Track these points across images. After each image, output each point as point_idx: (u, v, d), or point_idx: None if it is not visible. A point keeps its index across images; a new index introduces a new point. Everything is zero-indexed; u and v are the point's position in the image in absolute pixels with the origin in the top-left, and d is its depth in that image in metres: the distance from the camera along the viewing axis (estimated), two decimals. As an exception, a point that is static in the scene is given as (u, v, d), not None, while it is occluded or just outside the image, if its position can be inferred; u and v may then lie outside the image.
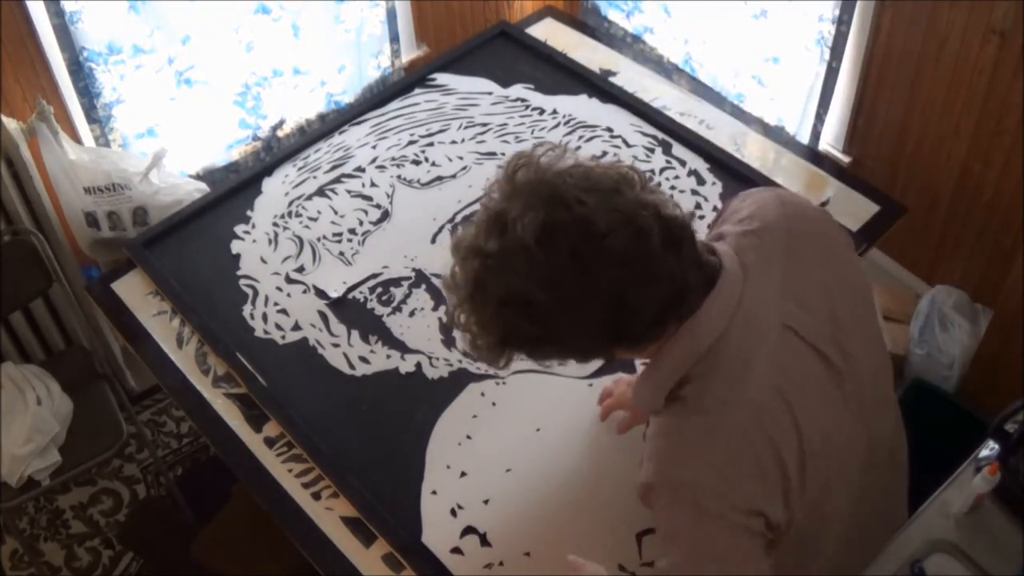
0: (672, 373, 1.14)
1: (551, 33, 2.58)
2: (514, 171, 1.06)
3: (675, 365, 1.14)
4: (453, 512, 1.65)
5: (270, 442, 1.79)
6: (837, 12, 2.15)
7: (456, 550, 1.60)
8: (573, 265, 1.00)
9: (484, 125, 2.32)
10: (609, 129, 2.29)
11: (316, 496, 1.71)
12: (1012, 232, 2.13)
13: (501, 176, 1.07)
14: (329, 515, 1.68)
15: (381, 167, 2.24)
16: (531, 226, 1.00)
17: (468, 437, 1.76)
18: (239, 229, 2.15)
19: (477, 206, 2.13)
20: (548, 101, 2.38)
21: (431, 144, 2.29)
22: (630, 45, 2.67)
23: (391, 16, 2.67)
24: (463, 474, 1.70)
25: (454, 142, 2.29)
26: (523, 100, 2.38)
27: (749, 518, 1.10)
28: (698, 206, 2.11)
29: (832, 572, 1.31)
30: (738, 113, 2.41)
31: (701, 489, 1.10)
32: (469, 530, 1.63)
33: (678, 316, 1.10)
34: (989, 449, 1.57)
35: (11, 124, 2.16)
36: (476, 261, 1.05)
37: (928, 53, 2.07)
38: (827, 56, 2.24)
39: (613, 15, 2.72)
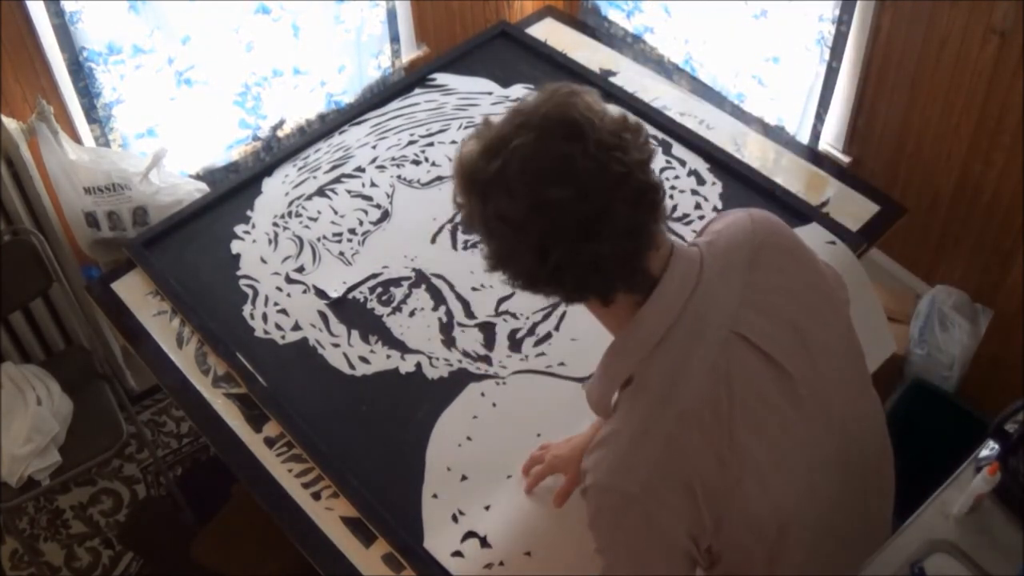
0: (620, 370, 1.14)
1: (551, 33, 2.58)
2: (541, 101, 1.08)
3: (624, 360, 1.14)
4: (455, 518, 1.65)
5: (270, 442, 1.79)
6: (837, 12, 2.15)
7: (457, 553, 1.60)
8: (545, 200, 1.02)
9: (484, 125, 2.32)
10: (609, 129, 2.29)
11: (316, 496, 1.71)
12: (1012, 232, 2.13)
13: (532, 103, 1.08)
14: (329, 515, 1.68)
15: (381, 167, 2.24)
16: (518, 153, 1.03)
17: (468, 438, 1.76)
18: (239, 229, 2.15)
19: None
20: (548, 101, 2.37)
21: (431, 144, 2.29)
22: (630, 45, 2.67)
23: (391, 16, 2.67)
24: (464, 478, 1.70)
25: (454, 142, 2.29)
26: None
27: (673, 533, 1.10)
28: (698, 206, 2.11)
29: None
30: (738, 113, 2.41)
31: (627, 500, 1.10)
32: (470, 534, 1.63)
33: (628, 281, 1.09)
34: (989, 449, 1.57)
35: (11, 124, 2.16)
36: (471, 178, 1.08)
37: (928, 53, 2.07)
38: (827, 56, 2.24)
39: (613, 15, 2.72)
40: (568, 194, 1.02)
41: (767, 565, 1.19)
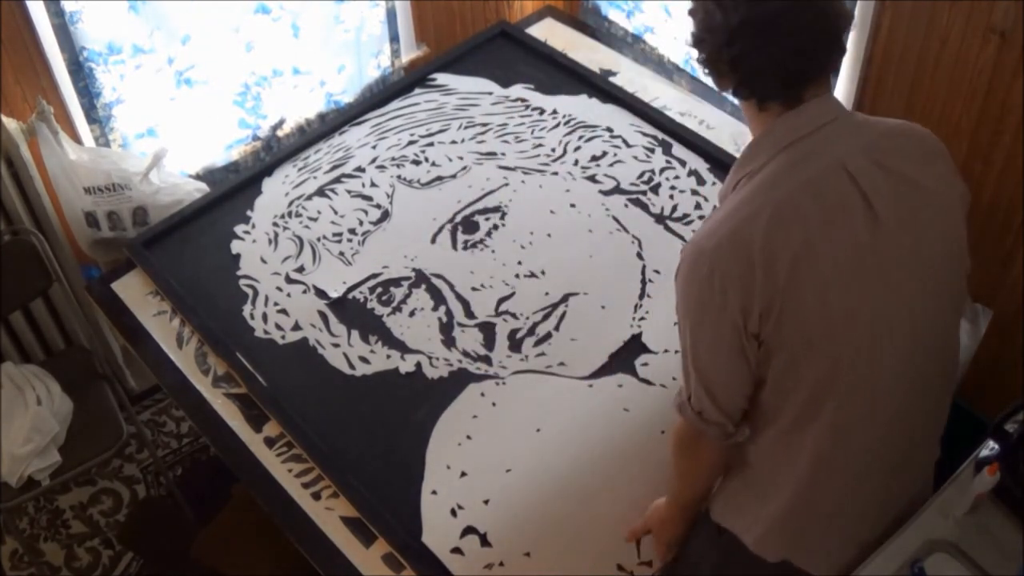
0: (746, 166, 1.31)
1: (551, 33, 2.58)
2: None
3: (752, 159, 1.30)
4: (453, 512, 1.65)
5: (270, 442, 1.79)
6: (837, 12, 2.15)
7: (456, 550, 1.61)
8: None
9: (484, 125, 2.32)
10: (609, 129, 2.29)
11: (316, 496, 1.71)
12: (1012, 232, 2.13)
13: None
14: (329, 515, 1.68)
15: (381, 167, 2.24)
16: None
17: (468, 437, 1.76)
18: (239, 229, 2.15)
19: (478, 206, 2.15)
20: (548, 101, 2.38)
21: (431, 144, 2.29)
22: (631, 45, 2.67)
23: (391, 16, 2.67)
24: (463, 474, 1.70)
25: (454, 142, 2.29)
26: (523, 100, 2.38)
27: (727, 298, 1.24)
28: (698, 206, 2.11)
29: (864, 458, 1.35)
30: (738, 113, 2.41)
31: (700, 253, 1.26)
32: (469, 530, 1.63)
33: (785, 94, 1.26)
34: (989, 449, 1.57)
35: (11, 124, 2.16)
36: None
37: (928, 53, 2.07)
38: (827, 56, 2.24)
39: (613, 15, 2.72)
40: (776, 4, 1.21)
41: (810, 402, 1.28)
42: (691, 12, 1.29)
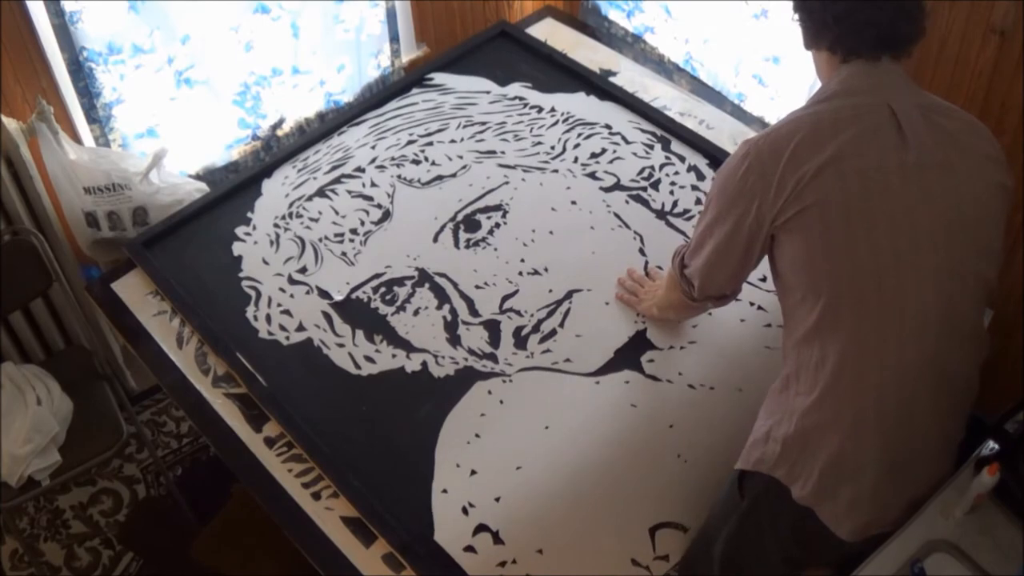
0: (817, 95, 1.45)
1: (551, 33, 2.58)
2: None
3: (820, 94, 1.44)
4: (464, 511, 1.65)
5: (270, 442, 1.79)
6: (837, 12, 2.15)
7: (469, 548, 1.61)
8: None
9: (483, 124, 2.32)
10: (608, 126, 2.30)
11: (316, 496, 1.71)
12: (1012, 232, 2.13)
13: None
14: (329, 515, 1.68)
15: (381, 167, 2.24)
16: None
17: (477, 435, 1.76)
18: (240, 231, 2.15)
19: (480, 204, 2.15)
20: (546, 99, 2.38)
21: (430, 143, 2.29)
22: (631, 45, 2.67)
23: (391, 16, 2.67)
24: (473, 472, 1.71)
25: (453, 141, 2.29)
26: (521, 98, 2.39)
27: (753, 195, 1.40)
28: (698, 201, 2.11)
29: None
30: (739, 113, 2.41)
31: (743, 151, 1.43)
32: (481, 528, 1.63)
33: (845, 50, 1.42)
34: (989, 449, 1.57)
35: (11, 124, 2.16)
36: None
37: (928, 53, 2.07)
38: (827, 56, 2.24)
39: (613, 15, 2.72)
40: None
41: (829, 307, 1.38)
42: None
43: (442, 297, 1.97)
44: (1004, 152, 1.44)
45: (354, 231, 2.12)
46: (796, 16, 1.49)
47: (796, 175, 1.36)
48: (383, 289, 2.00)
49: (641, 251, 2.03)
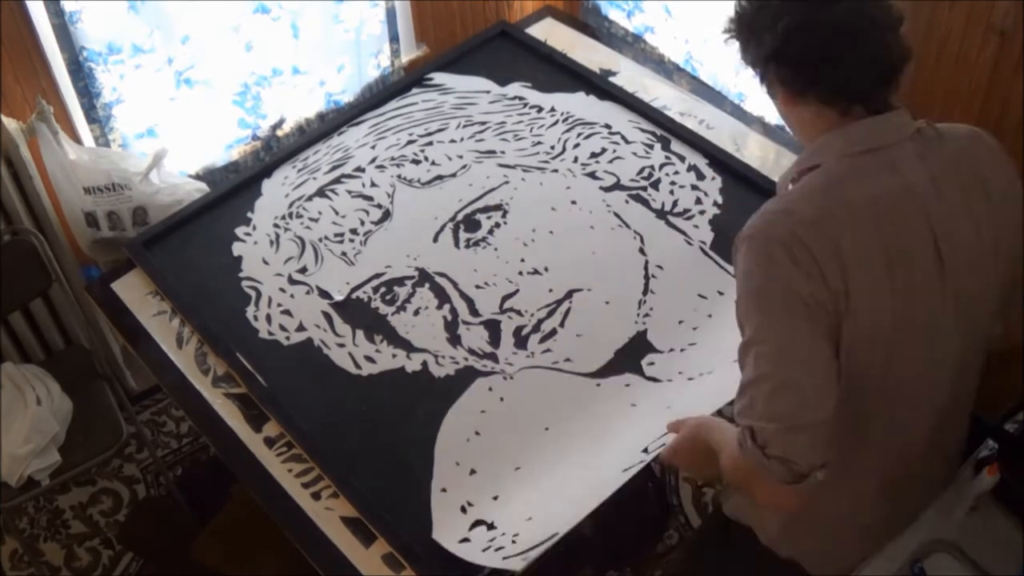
0: (818, 157, 1.28)
1: (551, 33, 2.58)
2: None
3: (828, 151, 1.27)
4: (463, 509, 1.65)
5: (270, 442, 1.79)
6: (837, 12, 2.15)
7: (464, 540, 1.61)
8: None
9: (483, 123, 2.32)
10: (608, 126, 2.30)
11: (316, 496, 1.71)
12: (1012, 232, 2.13)
13: None
14: (329, 515, 1.68)
15: (381, 167, 2.24)
16: None
17: (476, 433, 1.76)
18: (240, 231, 2.15)
19: (479, 204, 2.15)
20: (546, 99, 2.38)
21: (430, 143, 2.29)
22: (631, 45, 2.67)
23: (391, 16, 2.67)
24: (472, 471, 1.71)
25: (453, 141, 2.29)
26: (520, 98, 2.39)
27: (789, 281, 1.19)
28: (698, 200, 2.11)
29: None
30: (739, 112, 2.41)
31: (768, 238, 1.22)
32: (478, 523, 1.63)
33: (847, 98, 1.25)
34: (989, 449, 1.58)
35: (11, 124, 2.16)
36: None
37: (928, 53, 2.07)
38: (827, 56, 2.24)
39: (614, 14, 2.72)
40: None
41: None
42: (760, 10, 1.26)
43: (442, 297, 1.97)
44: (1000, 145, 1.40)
45: (354, 231, 2.12)
46: (764, 71, 1.28)
47: (831, 272, 1.20)
48: (383, 289, 2.00)
49: (641, 251, 2.03)
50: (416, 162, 2.25)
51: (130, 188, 2.30)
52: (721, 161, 2.18)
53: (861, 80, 1.24)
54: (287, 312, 1.98)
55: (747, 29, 1.29)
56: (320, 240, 2.10)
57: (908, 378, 1.30)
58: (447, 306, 1.95)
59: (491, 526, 1.62)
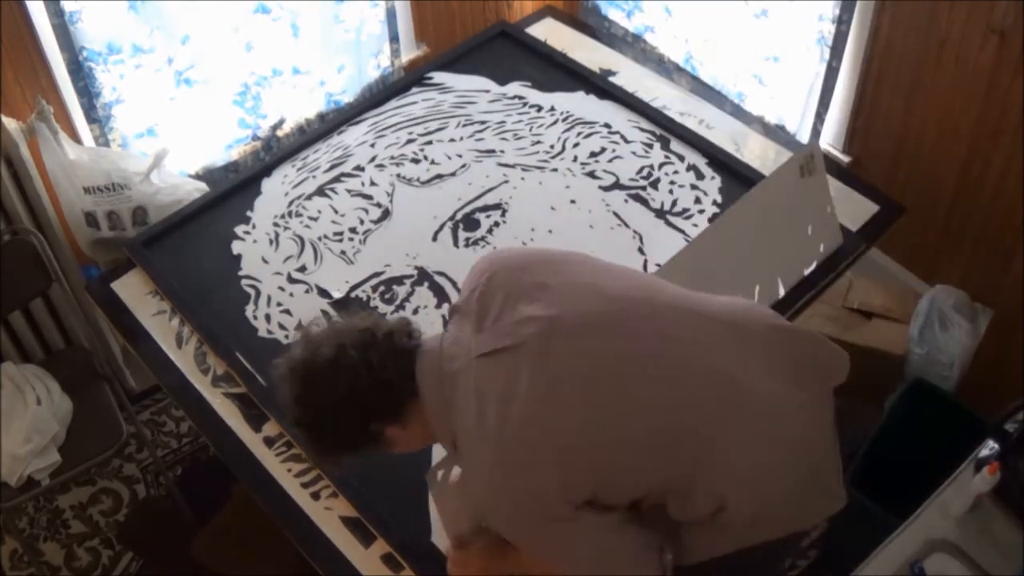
0: (448, 446, 1.36)
1: (551, 33, 2.58)
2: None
3: (445, 440, 1.36)
4: None
5: (270, 442, 1.79)
6: (837, 12, 2.15)
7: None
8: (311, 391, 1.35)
9: (482, 123, 2.32)
10: (607, 125, 2.30)
11: (316, 496, 1.71)
12: (1012, 232, 2.13)
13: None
14: (329, 515, 1.68)
15: (380, 166, 2.24)
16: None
17: None
18: (239, 230, 2.15)
19: (479, 203, 2.15)
20: (545, 98, 2.38)
21: (430, 142, 2.29)
22: (631, 44, 2.67)
23: (391, 16, 2.67)
24: None
25: (452, 140, 2.29)
26: (520, 97, 2.39)
27: (547, 497, 1.26)
28: (697, 200, 2.11)
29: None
30: (738, 112, 2.41)
31: (526, 501, 1.27)
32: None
33: (400, 398, 1.33)
34: (989, 449, 1.58)
35: (11, 124, 2.16)
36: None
37: (928, 53, 2.07)
38: (827, 55, 2.24)
39: (613, 14, 2.72)
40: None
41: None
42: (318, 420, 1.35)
43: (441, 296, 1.97)
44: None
45: (353, 230, 2.12)
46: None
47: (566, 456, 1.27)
48: (382, 288, 2.00)
49: (640, 250, 2.03)
50: (416, 161, 2.25)
51: (130, 188, 2.30)
52: (720, 161, 2.17)
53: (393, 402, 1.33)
54: (286, 311, 1.98)
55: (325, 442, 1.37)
56: (319, 239, 2.10)
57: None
58: (446, 305, 1.95)
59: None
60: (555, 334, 1.29)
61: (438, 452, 1.74)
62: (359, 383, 1.30)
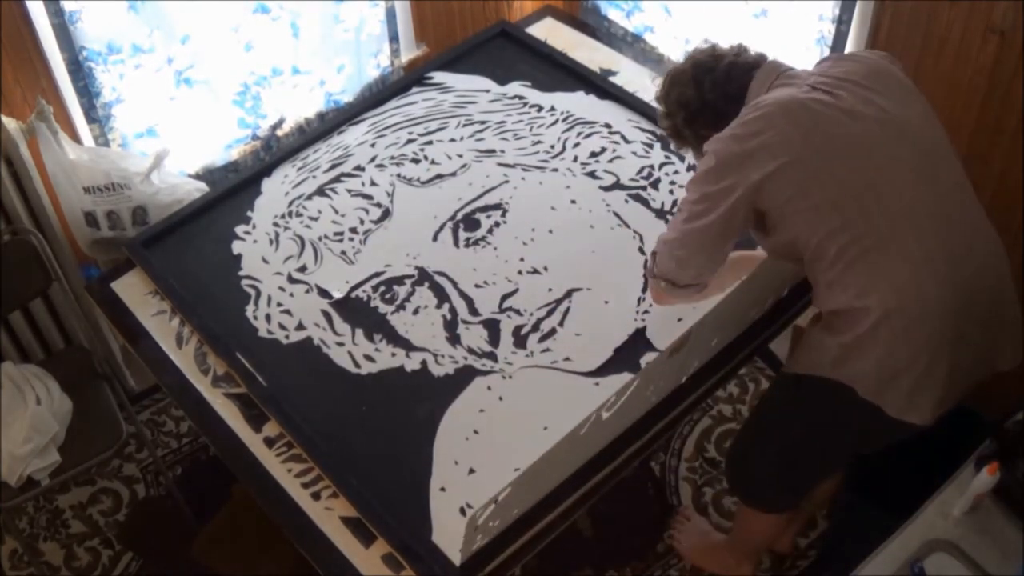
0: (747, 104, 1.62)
1: (551, 32, 2.58)
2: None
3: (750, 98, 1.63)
4: (462, 511, 1.65)
5: (270, 442, 1.79)
6: (837, 12, 2.15)
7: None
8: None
9: (482, 123, 2.32)
10: (607, 125, 2.30)
11: (316, 496, 1.71)
12: (1012, 231, 2.13)
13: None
14: (329, 515, 1.68)
15: (380, 166, 2.24)
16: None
17: (475, 432, 1.76)
18: (239, 229, 2.15)
19: (479, 203, 2.15)
20: (545, 98, 2.38)
21: (430, 142, 2.29)
22: (630, 44, 2.67)
23: (391, 16, 2.67)
24: (471, 471, 1.70)
25: (453, 140, 2.29)
26: (520, 97, 2.39)
27: (736, 178, 1.52)
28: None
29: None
30: (738, 112, 2.41)
31: (714, 150, 1.57)
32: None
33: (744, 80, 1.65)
34: (989, 449, 1.58)
35: (11, 124, 2.16)
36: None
37: (928, 53, 2.07)
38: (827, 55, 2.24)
39: (613, 14, 2.72)
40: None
41: (842, 248, 1.50)
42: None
43: (441, 296, 1.97)
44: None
45: (354, 230, 2.12)
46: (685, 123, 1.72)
47: (768, 148, 1.51)
48: (383, 288, 2.00)
49: (640, 250, 2.03)
50: (416, 161, 2.25)
51: (130, 188, 2.30)
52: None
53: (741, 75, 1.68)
54: (287, 311, 1.98)
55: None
56: (320, 239, 2.10)
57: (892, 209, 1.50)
58: (446, 305, 1.95)
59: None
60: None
61: (439, 452, 1.75)
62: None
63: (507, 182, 2.18)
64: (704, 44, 1.73)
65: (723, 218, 1.55)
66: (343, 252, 2.08)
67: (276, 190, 2.23)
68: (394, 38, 2.72)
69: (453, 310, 1.94)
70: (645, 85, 2.40)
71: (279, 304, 2.00)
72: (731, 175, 1.53)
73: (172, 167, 2.44)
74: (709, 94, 1.66)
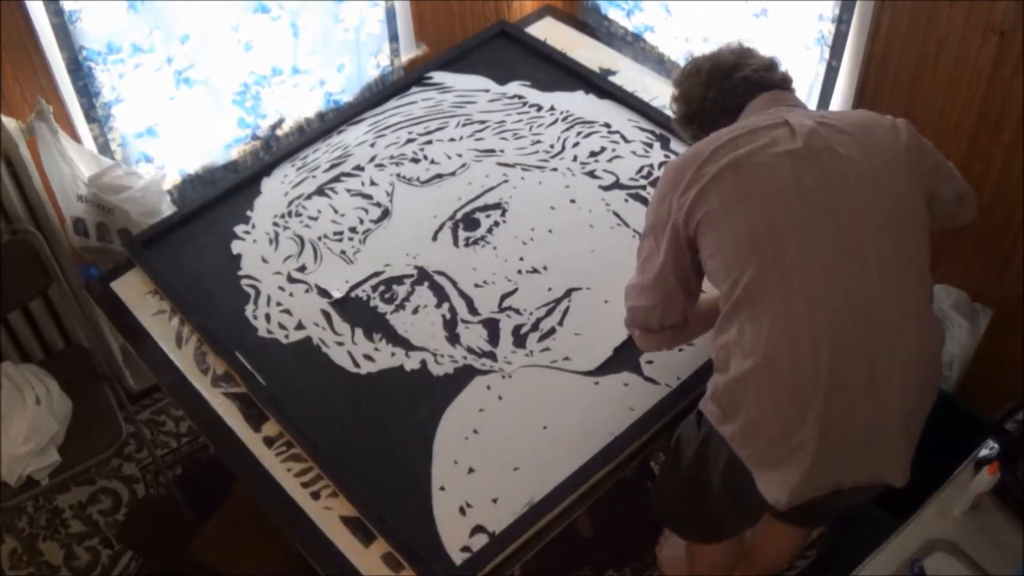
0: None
1: (551, 32, 2.58)
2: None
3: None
4: (462, 510, 1.65)
5: (269, 441, 1.79)
6: (837, 11, 2.15)
7: (465, 548, 1.61)
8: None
9: (482, 122, 2.32)
10: (607, 125, 2.30)
11: (315, 495, 1.71)
12: (1012, 232, 2.13)
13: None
14: (329, 514, 1.68)
15: (380, 165, 2.24)
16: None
17: (475, 431, 1.76)
18: (239, 229, 2.15)
19: (479, 203, 2.15)
20: (545, 98, 2.38)
21: (429, 142, 2.29)
22: (630, 44, 2.67)
23: (390, 15, 2.67)
24: (471, 470, 1.70)
25: (452, 139, 2.29)
26: (520, 97, 2.39)
27: (667, 206, 1.54)
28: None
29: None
30: (738, 112, 2.41)
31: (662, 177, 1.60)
32: (478, 529, 1.63)
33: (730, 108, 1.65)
34: (989, 449, 1.58)
35: (11, 124, 2.16)
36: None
37: (928, 52, 2.07)
38: (827, 55, 2.23)
39: (613, 14, 2.72)
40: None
41: (744, 294, 1.45)
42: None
43: (441, 295, 1.97)
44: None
45: (353, 229, 2.12)
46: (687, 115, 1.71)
47: (700, 182, 1.49)
48: (382, 287, 2.00)
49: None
50: (415, 161, 2.25)
51: (113, 213, 2.28)
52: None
53: (739, 95, 1.68)
54: (286, 311, 1.98)
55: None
56: (319, 238, 2.10)
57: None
58: (446, 305, 1.95)
59: (492, 535, 1.62)
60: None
61: (438, 451, 1.75)
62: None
63: (506, 182, 2.18)
64: (736, 45, 1.73)
65: (671, 248, 1.55)
66: (343, 252, 2.08)
67: (276, 190, 2.23)
68: (394, 38, 2.72)
69: (453, 309, 1.94)
70: (645, 85, 2.40)
71: (279, 304, 2.00)
72: (667, 200, 1.55)
73: (172, 167, 2.44)
74: (710, 102, 1.66)
